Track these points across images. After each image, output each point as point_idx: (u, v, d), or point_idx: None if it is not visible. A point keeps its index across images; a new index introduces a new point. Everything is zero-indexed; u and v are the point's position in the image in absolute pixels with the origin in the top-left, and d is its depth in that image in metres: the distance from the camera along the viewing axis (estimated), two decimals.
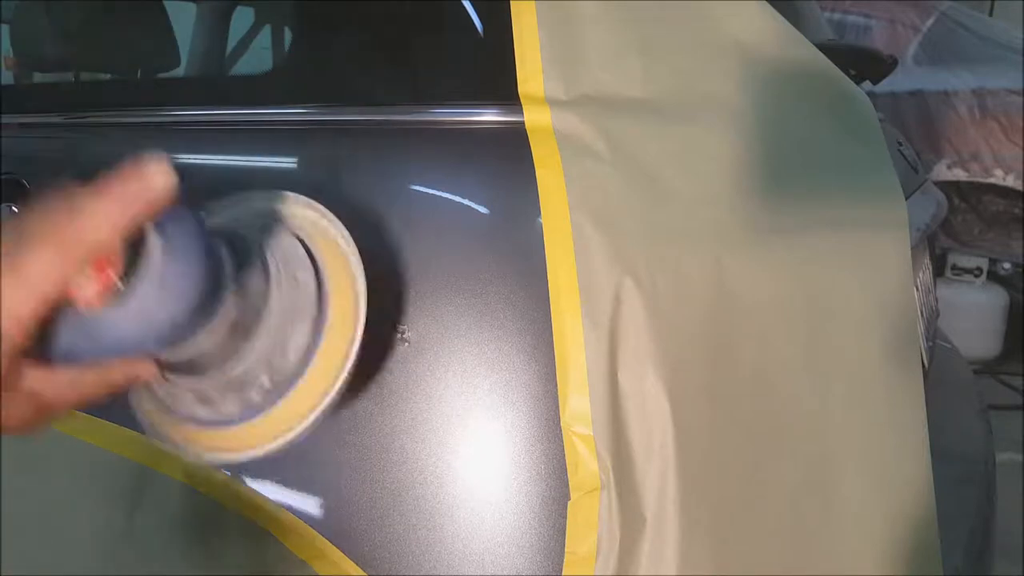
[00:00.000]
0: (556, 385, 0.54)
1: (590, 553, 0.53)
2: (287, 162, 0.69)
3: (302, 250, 0.49)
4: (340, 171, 0.65)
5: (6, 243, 0.34)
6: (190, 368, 0.47)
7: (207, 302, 0.41)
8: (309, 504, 0.60)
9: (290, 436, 0.48)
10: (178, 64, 1.24)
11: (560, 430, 0.54)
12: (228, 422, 0.49)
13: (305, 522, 0.60)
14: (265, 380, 0.48)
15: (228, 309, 0.44)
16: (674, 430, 0.54)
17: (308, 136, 0.70)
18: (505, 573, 0.55)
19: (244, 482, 0.62)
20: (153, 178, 0.37)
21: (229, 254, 0.43)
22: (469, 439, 0.56)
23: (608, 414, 0.53)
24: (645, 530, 0.53)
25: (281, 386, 0.48)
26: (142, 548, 0.68)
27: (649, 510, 0.53)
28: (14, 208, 0.87)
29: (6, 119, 0.96)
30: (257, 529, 0.62)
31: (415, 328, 0.57)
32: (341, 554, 0.58)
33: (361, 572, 0.58)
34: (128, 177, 0.36)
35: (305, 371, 0.48)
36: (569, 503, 0.54)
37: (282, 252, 0.48)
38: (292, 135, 0.71)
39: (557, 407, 0.54)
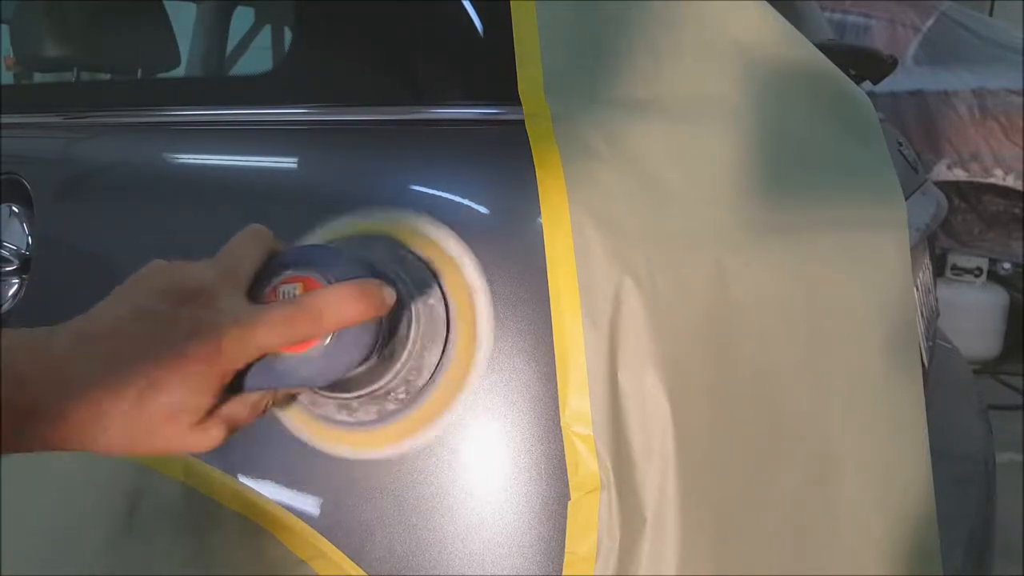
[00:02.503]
0: (556, 385, 0.54)
1: (590, 553, 0.53)
2: (287, 162, 0.69)
3: (434, 281, 0.56)
4: (340, 171, 0.65)
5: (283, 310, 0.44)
6: (339, 387, 0.55)
7: (369, 354, 0.50)
8: (309, 504, 0.60)
9: (418, 439, 0.56)
10: (178, 64, 1.24)
11: (560, 430, 0.54)
12: (365, 424, 0.57)
13: (305, 522, 0.60)
14: (401, 393, 0.56)
15: (380, 350, 0.53)
16: (674, 430, 0.54)
17: (308, 136, 0.70)
18: (505, 573, 0.55)
19: (244, 482, 0.62)
20: (384, 302, 0.46)
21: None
22: (469, 439, 0.56)
23: (608, 414, 0.53)
24: (645, 530, 0.53)
25: (415, 396, 0.56)
26: (142, 548, 0.68)
27: (649, 510, 0.53)
28: (14, 208, 0.87)
29: (6, 119, 0.96)
30: (257, 529, 0.62)
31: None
32: (341, 554, 0.58)
33: (361, 572, 0.58)
34: (370, 290, 0.45)
35: (435, 384, 0.56)
36: (569, 503, 0.54)
37: (418, 286, 0.56)
38: (292, 135, 0.71)
39: (557, 407, 0.54)
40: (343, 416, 0.57)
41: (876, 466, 0.70)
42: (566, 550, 0.54)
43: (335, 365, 0.47)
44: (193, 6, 2.05)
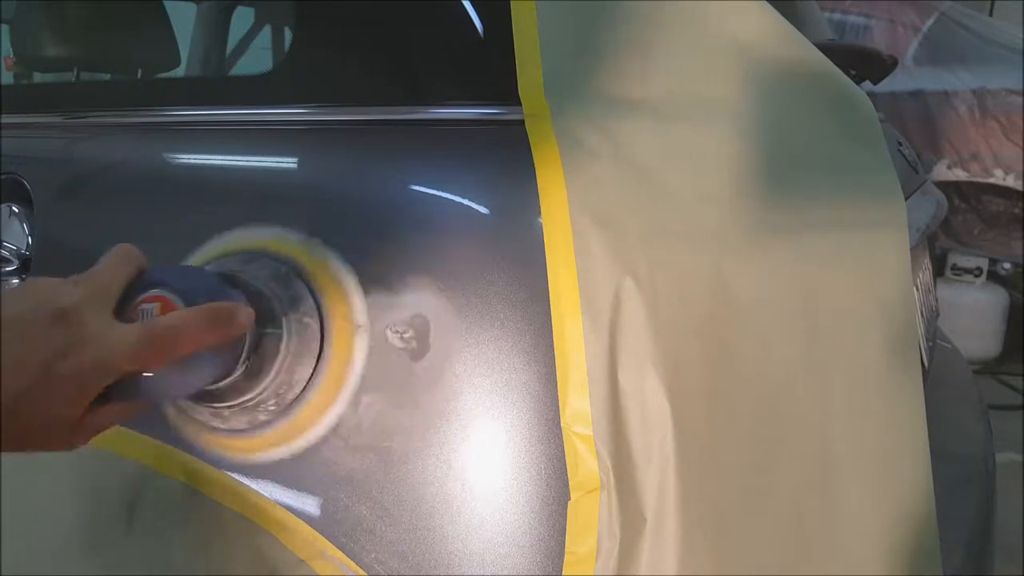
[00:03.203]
0: (556, 385, 0.54)
1: (590, 553, 0.53)
2: (287, 162, 0.69)
3: (309, 296, 0.57)
4: (340, 171, 0.65)
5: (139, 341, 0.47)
6: (208, 397, 0.56)
7: (229, 370, 0.53)
8: (309, 504, 0.60)
9: (289, 448, 0.58)
10: (178, 64, 1.24)
11: (560, 430, 0.54)
12: (237, 432, 0.59)
13: (305, 522, 0.60)
14: (271, 404, 0.57)
15: (245, 366, 0.54)
16: (674, 430, 0.54)
17: (308, 136, 0.70)
18: (505, 573, 0.55)
19: (244, 482, 0.62)
20: (237, 325, 0.49)
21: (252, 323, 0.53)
22: (469, 439, 0.56)
23: (608, 414, 0.53)
24: (645, 530, 0.53)
25: (285, 409, 0.58)
26: (142, 548, 0.68)
27: (649, 510, 0.53)
28: (14, 208, 0.87)
29: (6, 119, 0.96)
30: (257, 529, 0.62)
31: (414, 328, 0.57)
32: (341, 554, 0.58)
33: (361, 572, 0.58)
34: (223, 314, 0.48)
35: (308, 397, 0.57)
36: (569, 503, 0.54)
37: (293, 302, 0.57)
38: (292, 135, 0.71)
39: (557, 407, 0.54)
40: (217, 423, 0.60)
41: (876, 466, 0.69)
42: (566, 550, 0.54)
43: (190, 382, 0.50)
44: (193, 6, 2.05)
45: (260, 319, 0.55)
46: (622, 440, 0.53)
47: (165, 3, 1.18)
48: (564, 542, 0.54)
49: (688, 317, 0.56)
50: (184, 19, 1.89)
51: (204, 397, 0.57)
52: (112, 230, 0.78)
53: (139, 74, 1.19)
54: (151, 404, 0.54)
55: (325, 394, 0.57)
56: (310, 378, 0.57)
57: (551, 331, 0.54)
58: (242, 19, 2.15)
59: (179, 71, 1.33)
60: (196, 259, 0.63)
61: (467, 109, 0.62)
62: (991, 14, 5.27)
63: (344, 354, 0.57)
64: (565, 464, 0.54)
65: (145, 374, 0.48)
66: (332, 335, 0.57)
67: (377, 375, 0.57)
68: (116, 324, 0.48)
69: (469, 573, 0.55)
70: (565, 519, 0.54)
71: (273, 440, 0.59)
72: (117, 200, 0.79)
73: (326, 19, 0.70)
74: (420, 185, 0.60)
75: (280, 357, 0.56)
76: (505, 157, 0.58)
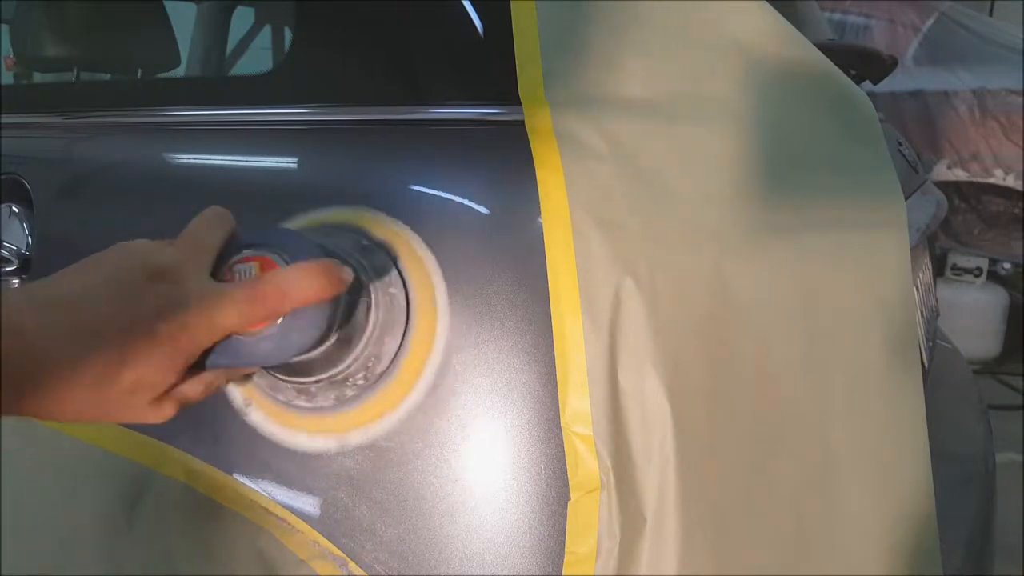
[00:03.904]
0: (556, 385, 0.54)
1: (590, 553, 0.53)
2: (287, 162, 0.69)
3: (394, 268, 0.57)
4: (340, 171, 0.65)
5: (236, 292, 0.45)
6: (298, 371, 0.55)
7: (327, 334, 0.51)
8: (309, 504, 0.60)
9: (375, 426, 0.57)
10: (178, 64, 1.24)
11: (560, 430, 0.54)
12: (322, 410, 0.58)
13: (305, 522, 0.60)
14: (360, 379, 0.57)
15: (337, 334, 0.53)
16: (674, 430, 0.54)
17: (308, 136, 0.70)
18: (505, 573, 0.55)
19: (244, 482, 0.62)
20: (341, 281, 0.47)
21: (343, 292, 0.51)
22: (469, 439, 0.56)
23: (608, 414, 0.53)
24: (645, 530, 0.53)
25: (373, 384, 0.57)
26: (142, 548, 0.68)
27: (649, 510, 0.53)
28: (14, 208, 0.87)
29: (6, 119, 0.96)
30: (257, 529, 0.62)
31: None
32: (341, 554, 0.58)
33: (361, 572, 0.58)
34: (327, 270, 0.46)
35: (395, 371, 0.56)
36: (569, 503, 0.54)
37: (378, 273, 0.56)
38: (292, 135, 0.71)
39: (557, 407, 0.54)
40: (302, 401, 0.58)
41: (876, 466, 0.70)
42: (566, 550, 0.54)
43: (290, 344, 0.48)
44: (193, 6, 2.05)
45: (351, 288, 0.53)
46: (622, 440, 0.53)
47: (165, 3, 1.18)
48: (564, 542, 0.54)
49: (688, 317, 0.56)
50: (184, 19, 1.89)
51: (295, 370, 0.55)
52: (112, 230, 0.78)
53: (139, 74, 1.19)
54: (240, 372, 0.52)
55: (410, 371, 0.56)
56: (397, 352, 0.56)
57: (551, 331, 0.54)
58: (242, 19, 2.15)
59: (179, 71, 1.33)
60: None
61: (467, 109, 0.62)
62: (991, 14, 5.27)
63: (428, 330, 0.56)
64: (565, 464, 0.54)
65: (244, 337, 0.46)
66: (417, 309, 0.56)
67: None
68: (215, 284, 0.46)
69: (469, 573, 0.55)
70: (565, 519, 0.54)
71: (359, 418, 0.57)
72: (117, 200, 0.79)
73: (326, 19, 0.70)
74: (420, 185, 0.60)
75: (370, 327, 0.55)
76: (505, 157, 0.58)
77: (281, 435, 0.60)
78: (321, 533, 0.59)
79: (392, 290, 0.56)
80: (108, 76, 1.29)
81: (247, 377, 0.56)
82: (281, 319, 0.47)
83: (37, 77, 1.39)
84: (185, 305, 0.43)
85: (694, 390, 0.55)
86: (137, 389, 0.43)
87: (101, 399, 0.42)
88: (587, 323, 0.53)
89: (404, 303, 0.56)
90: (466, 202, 0.58)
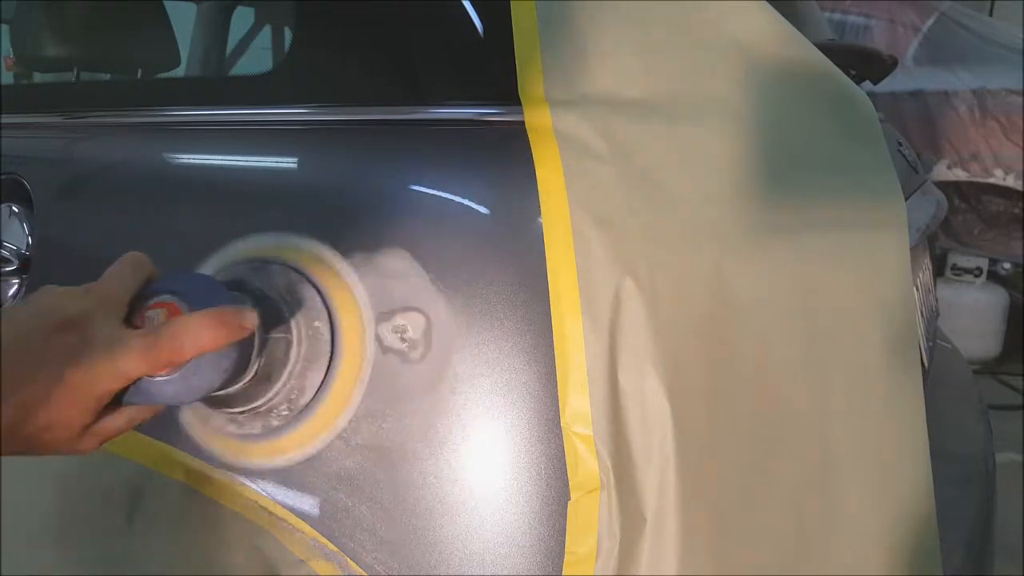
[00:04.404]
0: (556, 385, 0.54)
1: (590, 553, 0.53)
2: (287, 162, 0.69)
3: (319, 300, 0.58)
4: (340, 171, 0.65)
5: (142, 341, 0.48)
6: (221, 403, 0.58)
7: (238, 371, 0.53)
8: (309, 504, 0.60)
9: (301, 453, 0.59)
10: (178, 64, 1.24)
11: (560, 430, 0.54)
12: (253, 437, 0.60)
13: (305, 522, 0.60)
14: (284, 410, 0.58)
15: (255, 371, 0.55)
16: (674, 430, 0.54)
17: (308, 136, 0.70)
18: (505, 573, 0.55)
19: (244, 482, 0.62)
20: (241, 328, 0.49)
21: (259, 325, 0.53)
22: (469, 439, 0.56)
23: (608, 414, 0.53)
24: (645, 530, 0.53)
25: (297, 414, 0.58)
26: (142, 548, 0.68)
27: (649, 510, 0.53)
28: (14, 208, 0.87)
29: (6, 119, 0.96)
30: (257, 529, 0.62)
31: (414, 328, 0.57)
32: (341, 554, 0.58)
33: (361, 572, 0.58)
34: (226, 318, 0.48)
35: (319, 403, 0.58)
36: (569, 503, 0.54)
37: (303, 306, 0.57)
38: (292, 135, 0.71)
39: (557, 407, 0.54)
40: (232, 428, 0.61)
41: (876, 466, 0.70)
42: (566, 550, 0.54)
43: (193, 387, 0.50)
44: (193, 6, 2.05)
45: (270, 324, 0.55)
46: (622, 440, 0.53)
47: (165, 3, 1.18)
48: (564, 542, 0.54)
49: (688, 317, 0.56)
50: (184, 19, 1.89)
51: (218, 402, 0.58)
52: (112, 230, 0.78)
53: (139, 74, 1.19)
54: (159, 409, 0.54)
55: (337, 400, 0.58)
56: (321, 384, 0.58)
57: (551, 331, 0.54)
58: (242, 19, 2.15)
59: (179, 71, 1.33)
60: (206, 266, 0.64)
61: (467, 109, 0.62)
62: (991, 14, 5.27)
63: (355, 360, 0.57)
64: (565, 464, 0.54)
65: (153, 379, 0.49)
66: (343, 341, 0.57)
67: (384, 379, 0.57)
68: (124, 330, 0.48)
69: (469, 573, 0.55)
70: (565, 519, 0.54)
71: (287, 445, 0.59)
72: (117, 200, 0.79)
73: (326, 19, 0.70)
74: (420, 185, 0.60)
75: (291, 363, 0.57)
76: (505, 157, 0.58)
77: (224, 459, 0.62)
78: (321, 533, 0.59)
79: (317, 323, 0.58)
80: (108, 76, 1.29)
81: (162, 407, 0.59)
82: (184, 364, 0.49)
83: (37, 77, 1.39)
84: (89, 353, 0.46)
85: (694, 390, 0.55)
86: (52, 427, 0.46)
87: (20, 436, 0.46)
88: (587, 323, 0.53)
89: (329, 336, 0.58)
90: (466, 202, 0.58)
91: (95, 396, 0.47)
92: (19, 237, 0.86)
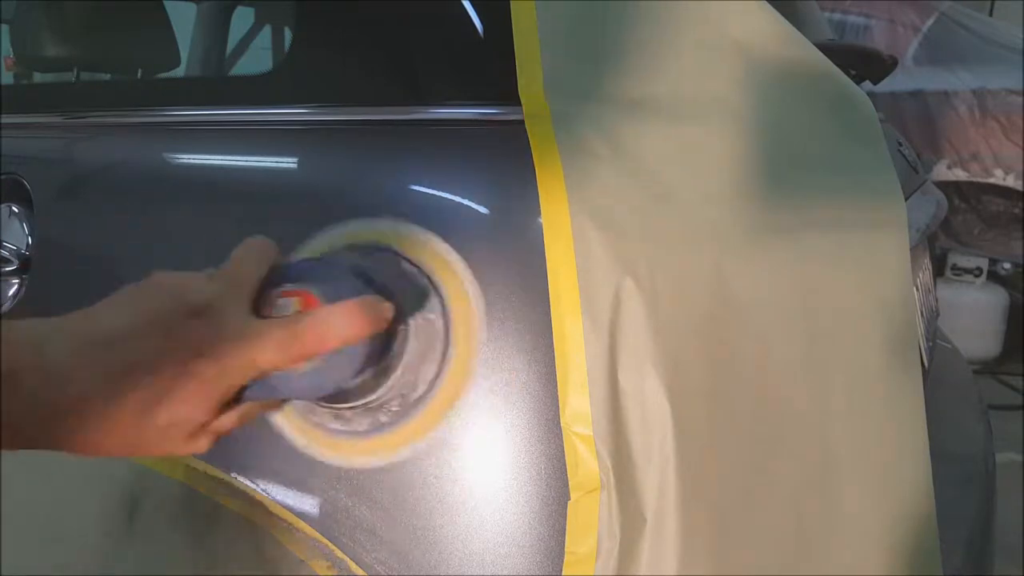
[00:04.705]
0: (556, 385, 0.54)
1: (590, 553, 0.53)
2: (287, 162, 0.69)
3: (434, 294, 0.56)
4: (340, 171, 0.65)
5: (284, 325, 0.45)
6: (335, 398, 0.55)
7: (371, 366, 0.51)
8: (309, 504, 0.60)
9: (407, 451, 0.57)
10: (178, 64, 1.24)
11: (560, 430, 0.54)
12: (356, 434, 0.58)
13: (305, 522, 0.60)
14: (395, 405, 0.56)
15: (375, 366, 0.53)
16: (674, 430, 0.54)
17: (308, 136, 0.70)
18: (505, 573, 0.55)
19: (244, 482, 0.62)
20: (382, 320, 0.46)
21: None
22: (469, 439, 0.56)
23: (608, 414, 0.53)
24: (645, 530, 0.53)
25: (408, 409, 0.56)
26: (142, 548, 0.68)
27: (649, 510, 0.53)
28: (14, 208, 0.87)
29: (6, 119, 0.96)
30: (257, 529, 0.62)
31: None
32: (341, 554, 0.58)
33: (361, 572, 0.58)
34: (368, 310, 0.45)
35: (430, 397, 0.56)
36: (569, 503, 0.54)
37: (418, 299, 0.56)
38: (292, 135, 0.71)
39: (557, 407, 0.54)
40: (336, 425, 0.58)
41: (876, 466, 0.70)
42: (566, 550, 0.54)
43: (327, 380, 0.47)
44: (193, 6, 2.05)
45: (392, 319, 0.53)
46: (622, 440, 0.53)
47: (165, 3, 1.18)
48: (564, 542, 0.54)
49: (688, 317, 0.56)
50: (184, 19, 1.89)
51: (330, 397, 0.55)
52: (112, 230, 0.78)
53: (139, 74, 1.19)
54: (277, 403, 0.51)
55: (448, 394, 0.56)
56: (434, 378, 0.56)
57: (551, 331, 0.54)
58: (242, 19, 2.15)
59: (179, 71, 1.33)
60: (313, 248, 0.60)
61: (467, 109, 0.62)
62: (991, 14, 5.26)
63: (465, 352, 0.55)
64: (565, 464, 0.54)
65: (282, 372, 0.46)
66: (455, 332, 0.56)
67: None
68: (255, 320, 0.45)
69: (469, 573, 0.55)
70: (565, 519, 0.54)
71: (393, 442, 0.57)
72: (117, 200, 0.79)
73: (326, 19, 0.70)
74: (420, 185, 0.60)
75: (407, 355, 0.55)
76: (505, 157, 0.58)
77: (320, 456, 0.59)
78: (321, 533, 0.59)
79: (431, 315, 0.56)
80: (108, 76, 1.29)
81: (282, 403, 0.55)
82: (319, 356, 0.46)
83: (37, 77, 1.39)
84: (223, 344, 0.43)
85: (694, 390, 0.55)
86: (173, 425, 0.43)
87: (136, 436, 0.42)
88: (587, 323, 0.53)
89: (443, 329, 0.56)
90: (466, 202, 0.58)
91: (223, 391, 0.43)
92: (19, 237, 0.86)
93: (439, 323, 0.56)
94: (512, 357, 0.55)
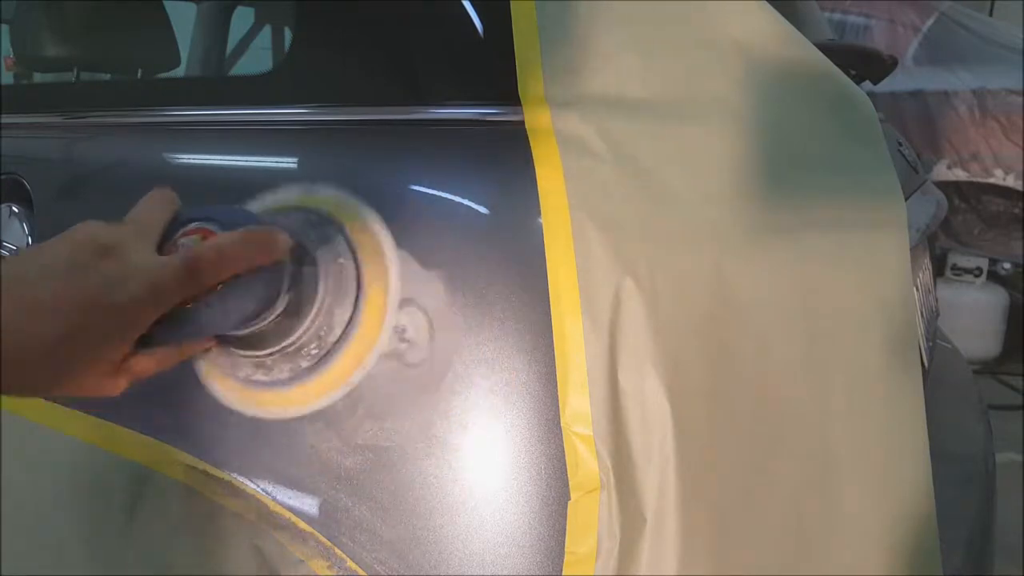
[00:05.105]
0: (556, 385, 0.54)
1: (590, 553, 0.53)
2: (287, 162, 0.69)
3: (342, 239, 0.58)
4: (340, 171, 0.65)
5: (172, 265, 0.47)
6: (251, 343, 0.57)
7: (271, 299, 0.52)
8: (309, 504, 0.60)
9: (335, 395, 0.58)
10: (178, 64, 1.24)
11: (560, 430, 0.54)
12: (280, 383, 0.59)
13: (305, 522, 0.60)
14: (313, 348, 0.58)
15: (286, 301, 0.55)
16: (674, 430, 0.54)
17: (308, 136, 0.70)
18: (505, 573, 0.55)
19: (244, 482, 0.62)
20: (278, 246, 0.50)
21: (288, 258, 0.53)
22: (469, 439, 0.56)
23: (608, 414, 0.53)
24: (645, 530, 0.53)
25: (327, 353, 0.58)
26: (142, 548, 0.68)
27: (649, 510, 0.53)
28: (14, 208, 0.87)
29: (6, 119, 0.96)
30: (257, 529, 0.62)
31: (414, 328, 0.57)
32: (341, 554, 0.58)
33: (361, 572, 0.58)
34: (261, 238, 0.49)
35: (348, 339, 0.57)
36: (569, 503, 0.54)
37: (326, 244, 0.58)
38: (292, 135, 0.71)
39: (557, 407, 0.54)
40: (260, 376, 0.60)
41: (876, 466, 0.70)
42: (566, 550, 0.54)
43: (232, 310, 0.50)
44: (193, 6, 2.05)
45: (296, 258, 0.55)
46: (622, 440, 0.53)
47: (165, 3, 1.18)
48: (564, 542, 0.54)
49: (688, 317, 0.56)
50: (184, 19, 1.89)
51: (246, 344, 0.57)
52: None
53: (139, 74, 1.19)
54: (188, 353, 0.54)
55: (364, 337, 0.57)
56: (349, 320, 0.57)
57: (551, 331, 0.54)
58: (242, 19, 2.15)
59: (179, 71, 1.33)
60: None
61: (467, 109, 0.62)
62: (991, 14, 5.27)
63: (379, 297, 0.57)
64: (565, 464, 0.54)
65: (187, 307, 0.48)
66: (367, 277, 0.57)
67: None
68: (159, 257, 0.48)
69: (469, 573, 0.55)
70: (565, 519, 0.54)
71: (316, 389, 0.59)
72: (117, 200, 0.79)
73: (326, 19, 0.70)
74: (420, 185, 0.60)
75: (319, 296, 0.57)
76: (505, 157, 0.58)
77: (246, 411, 0.61)
78: (321, 533, 0.59)
79: (341, 260, 0.57)
80: (108, 76, 1.29)
81: (203, 354, 0.58)
82: (221, 286, 0.49)
83: (37, 77, 1.39)
84: (132, 278, 0.46)
85: (694, 390, 0.55)
86: (90, 361, 0.46)
87: (56, 369, 0.45)
88: (587, 323, 0.53)
89: (354, 272, 0.57)
90: (466, 202, 0.58)
91: (136, 324, 0.46)
92: (19, 237, 0.86)
93: (349, 267, 0.57)
94: (512, 357, 0.55)
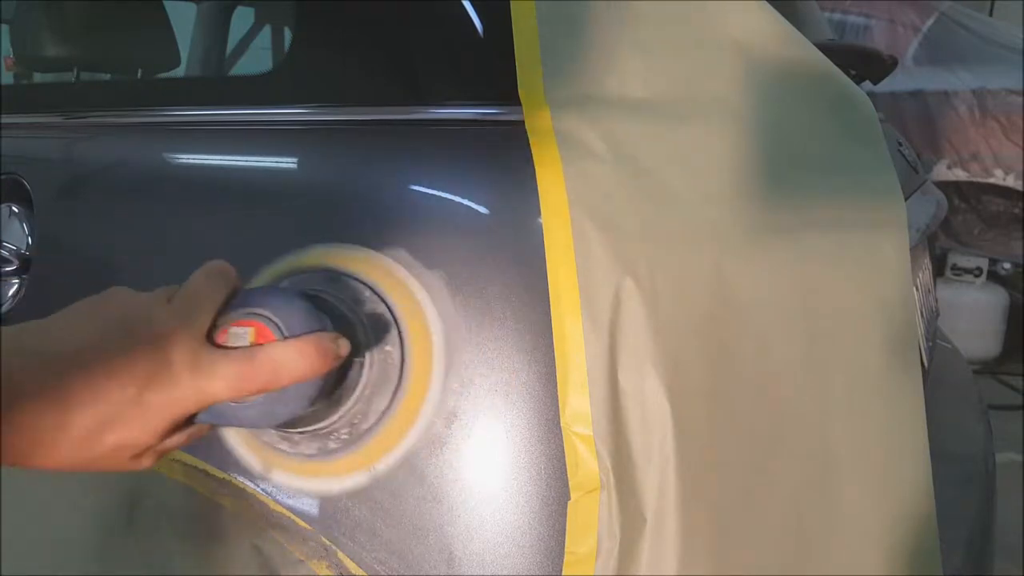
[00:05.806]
0: (556, 385, 0.54)
1: (590, 553, 0.53)
2: (287, 162, 0.69)
3: (393, 325, 0.56)
4: (340, 171, 0.65)
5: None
6: (284, 424, 0.54)
7: (322, 399, 0.51)
8: (309, 504, 0.60)
9: (351, 482, 0.57)
10: (178, 64, 1.24)
11: (560, 430, 0.54)
12: (304, 456, 0.58)
13: (305, 522, 0.60)
14: (344, 434, 0.57)
15: (329, 396, 0.53)
16: (674, 430, 0.54)
17: (308, 136, 0.70)
18: (505, 573, 0.55)
19: (244, 482, 0.62)
20: (337, 357, 0.47)
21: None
22: (469, 439, 0.56)
23: (608, 414, 0.53)
24: (645, 530, 0.53)
25: (357, 438, 0.56)
26: (142, 548, 0.68)
27: (649, 510, 0.53)
28: (14, 208, 0.87)
29: (6, 119, 0.96)
30: (257, 529, 0.62)
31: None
32: (341, 554, 0.58)
33: (361, 572, 0.58)
34: (324, 347, 0.46)
35: (380, 428, 0.56)
36: (569, 503, 0.54)
37: (376, 330, 0.55)
38: (292, 135, 0.71)
39: (557, 407, 0.54)
40: (284, 446, 0.59)
41: (876, 466, 0.69)
42: (566, 550, 0.54)
43: (278, 413, 0.47)
44: (193, 6, 2.05)
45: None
46: (622, 440, 0.53)
47: (165, 3, 1.18)
48: (564, 542, 0.54)
49: (688, 317, 0.56)
50: (184, 19, 1.89)
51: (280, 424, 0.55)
52: (112, 230, 0.78)
53: (139, 74, 1.19)
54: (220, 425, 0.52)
55: (399, 425, 0.56)
56: (385, 409, 0.56)
57: (551, 331, 0.54)
58: (242, 19, 2.15)
59: (179, 71, 1.33)
60: (272, 272, 0.60)
61: (467, 109, 0.62)
62: (991, 14, 5.27)
63: (419, 387, 0.55)
64: (565, 464, 0.54)
65: (233, 403, 0.46)
66: (411, 365, 0.56)
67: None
68: (210, 350, 0.45)
69: (469, 573, 0.55)
70: (565, 519, 0.54)
71: (340, 468, 0.58)
72: (117, 200, 0.79)
73: (326, 19, 0.70)
74: (420, 185, 0.60)
75: (360, 387, 0.55)
76: (505, 157, 0.58)
77: (268, 473, 0.60)
78: (321, 533, 0.59)
79: (388, 347, 0.56)
80: (108, 76, 1.29)
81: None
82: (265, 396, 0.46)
83: (37, 77, 1.39)
84: (176, 375, 0.43)
85: (694, 390, 0.55)
86: (119, 448, 0.43)
87: (82, 455, 0.43)
88: (587, 323, 0.53)
89: (399, 361, 0.55)
90: (466, 202, 0.58)
91: (171, 420, 0.44)
92: (19, 237, 0.86)
93: (395, 354, 0.56)
94: (512, 357, 0.55)
